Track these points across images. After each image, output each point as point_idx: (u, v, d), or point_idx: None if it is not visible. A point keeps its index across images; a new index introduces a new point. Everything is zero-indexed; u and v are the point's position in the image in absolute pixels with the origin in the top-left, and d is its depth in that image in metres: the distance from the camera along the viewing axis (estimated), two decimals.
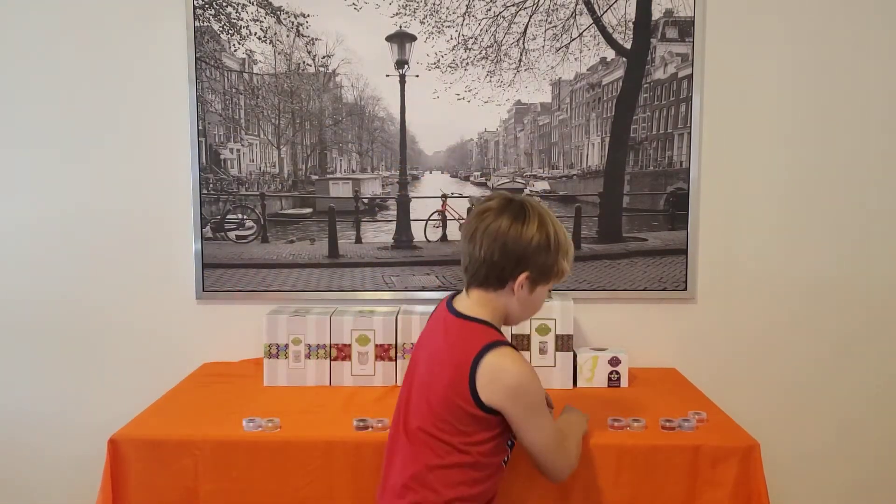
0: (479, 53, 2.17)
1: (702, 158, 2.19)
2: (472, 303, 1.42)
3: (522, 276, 1.37)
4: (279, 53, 2.18)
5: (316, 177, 2.24)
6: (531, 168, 2.28)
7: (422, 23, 2.15)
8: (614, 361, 2.02)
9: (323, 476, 1.61)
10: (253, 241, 2.23)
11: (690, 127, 2.18)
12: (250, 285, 2.22)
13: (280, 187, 2.24)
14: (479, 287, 1.41)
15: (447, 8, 2.15)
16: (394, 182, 2.24)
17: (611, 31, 2.16)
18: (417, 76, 2.18)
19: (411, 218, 2.24)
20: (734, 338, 2.24)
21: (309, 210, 2.24)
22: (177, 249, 2.22)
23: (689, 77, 2.16)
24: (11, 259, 2.22)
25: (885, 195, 2.20)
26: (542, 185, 2.26)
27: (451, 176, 2.26)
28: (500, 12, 2.15)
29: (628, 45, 2.17)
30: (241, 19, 2.16)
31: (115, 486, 1.61)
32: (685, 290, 2.22)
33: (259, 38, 2.17)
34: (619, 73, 2.18)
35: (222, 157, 2.21)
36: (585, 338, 2.21)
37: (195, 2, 2.14)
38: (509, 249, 1.35)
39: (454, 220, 2.25)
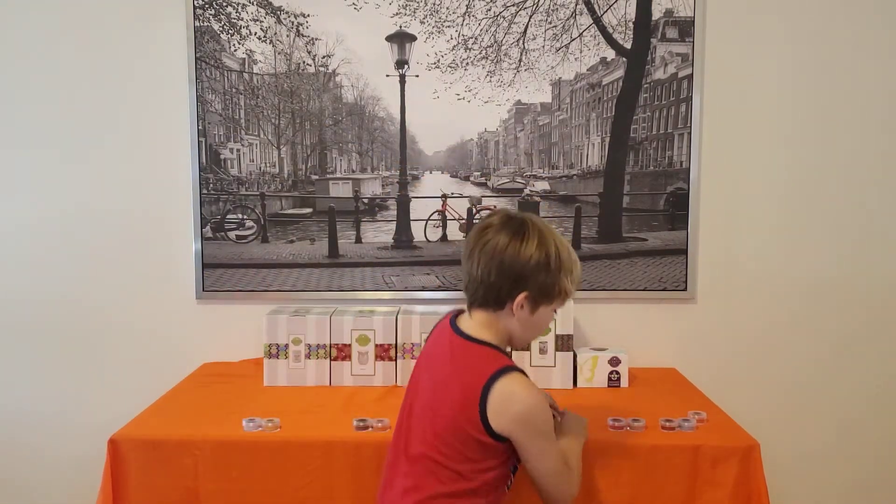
0: (479, 53, 2.17)
1: (702, 158, 2.19)
2: (475, 324, 1.38)
3: (521, 297, 1.32)
4: (279, 53, 2.18)
5: (316, 177, 2.24)
6: (531, 168, 2.28)
7: (422, 23, 2.15)
8: (614, 361, 2.02)
9: (323, 476, 1.61)
10: (253, 241, 2.23)
11: (690, 127, 2.18)
12: (250, 285, 2.22)
13: (280, 187, 2.24)
14: (480, 307, 1.37)
15: (447, 8, 2.15)
16: (394, 182, 2.24)
17: (611, 31, 2.16)
18: (417, 76, 2.18)
19: (411, 218, 2.24)
20: (734, 338, 2.24)
21: (309, 210, 2.24)
22: (177, 249, 2.22)
23: (689, 77, 2.16)
24: (11, 259, 2.22)
25: (885, 195, 2.20)
26: (542, 185, 2.26)
27: (451, 176, 2.26)
28: (500, 12, 2.15)
29: (628, 45, 2.17)
30: (241, 19, 2.16)
31: (115, 486, 1.61)
32: (685, 290, 2.22)
33: (259, 38, 2.17)
34: (619, 73, 2.18)
35: (222, 157, 2.21)
36: (585, 338, 2.21)
37: (195, 2, 2.14)
38: (506, 268, 1.31)
39: (454, 220, 2.25)
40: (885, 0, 2.14)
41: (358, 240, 2.24)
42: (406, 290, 2.22)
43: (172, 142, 2.18)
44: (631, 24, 2.15)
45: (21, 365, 2.25)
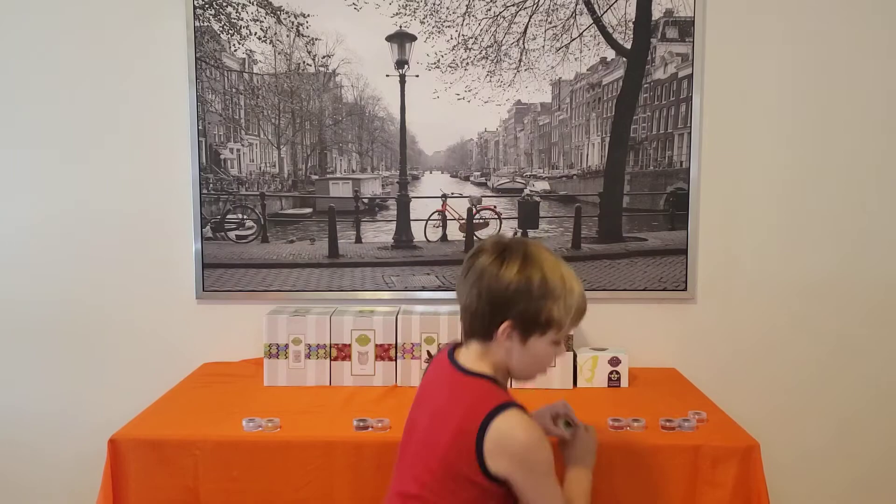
0: (479, 53, 2.17)
1: (702, 158, 2.19)
2: (472, 355, 1.30)
3: (505, 325, 1.24)
4: (279, 53, 2.18)
5: (316, 177, 2.24)
6: (531, 168, 2.28)
7: (422, 23, 2.15)
8: (614, 361, 2.02)
9: (323, 476, 1.61)
10: (253, 241, 2.23)
11: (690, 127, 2.18)
12: (250, 285, 2.22)
13: (280, 187, 2.24)
14: (473, 337, 1.30)
15: (447, 8, 2.15)
16: (394, 182, 2.24)
17: (611, 31, 2.16)
18: (417, 76, 2.18)
19: (411, 218, 2.24)
20: (734, 338, 2.24)
21: (309, 210, 2.24)
22: (177, 249, 2.22)
23: (689, 77, 2.16)
24: (12, 259, 2.22)
25: (884, 195, 2.20)
26: (542, 185, 2.26)
27: (451, 176, 2.26)
28: (500, 12, 2.15)
29: (628, 45, 2.17)
30: (241, 19, 2.16)
31: (115, 486, 1.61)
32: (685, 290, 2.22)
33: (259, 38, 2.17)
34: (619, 73, 2.18)
35: (222, 157, 2.21)
36: (585, 338, 2.21)
37: (195, 2, 2.14)
38: (486, 294, 1.24)
39: (454, 220, 2.25)
40: (885, 0, 2.14)
41: (358, 240, 2.24)
42: (406, 290, 2.22)
43: (172, 142, 2.18)
44: (631, 24, 2.15)
45: (21, 365, 2.25)
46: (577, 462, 1.42)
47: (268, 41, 2.17)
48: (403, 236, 2.24)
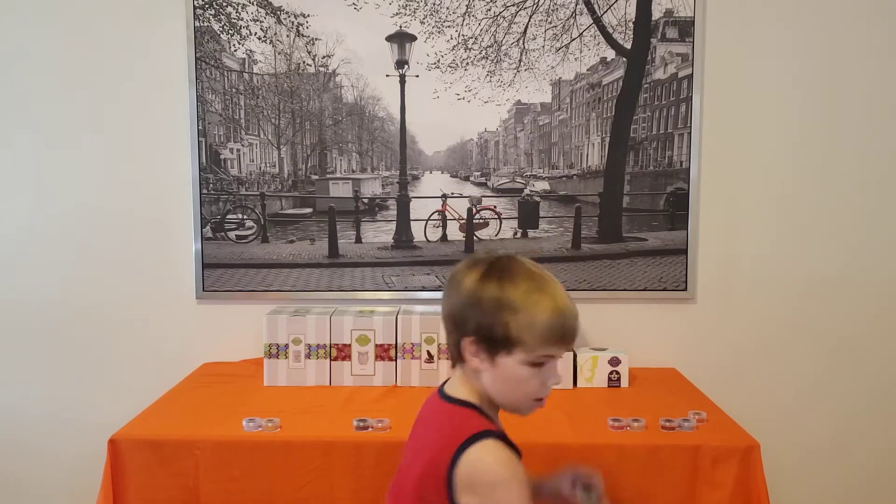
0: (479, 53, 2.17)
1: (702, 158, 2.19)
2: (456, 382, 1.21)
3: (465, 342, 1.14)
4: (279, 53, 2.18)
5: (316, 177, 2.24)
6: (531, 168, 2.28)
7: (422, 23, 2.15)
8: (614, 361, 2.02)
9: (323, 476, 1.61)
10: (253, 241, 2.23)
11: (690, 127, 2.18)
12: (250, 285, 2.22)
13: (280, 187, 2.24)
14: (454, 362, 1.21)
15: (447, 8, 2.15)
16: (394, 182, 2.24)
17: (611, 31, 2.16)
18: (417, 76, 2.18)
19: (411, 218, 2.24)
20: (734, 338, 2.24)
21: (309, 210, 2.24)
22: (177, 249, 2.22)
23: (689, 77, 2.16)
24: (11, 259, 2.22)
25: (885, 195, 2.20)
26: (542, 185, 2.26)
27: (451, 176, 2.26)
28: (500, 12, 2.15)
29: (628, 45, 2.17)
30: (241, 19, 2.16)
31: (115, 486, 1.61)
32: (685, 290, 2.22)
33: (259, 38, 2.17)
34: (619, 73, 2.18)
35: (222, 157, 2.21)
36: (585, 338, 2.21)
37: (195, 2, 2.14)
38: (446, 307, 1.17)
39: (454, 220, 2.25)
40: (885, 0, 2.14)
41: (358, 240, 2.24)
42: (406, 290, 2.22)
43: (172, 142, 2.18)
44: (631, 24, 2.15)
45: (21, 365, 2.25)
46: None
47: (268, 41, 2.17)
48: (403, 236, 2.24)
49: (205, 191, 2.20)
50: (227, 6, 2.15)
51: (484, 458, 1.09)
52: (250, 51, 2.17)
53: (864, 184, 2.20)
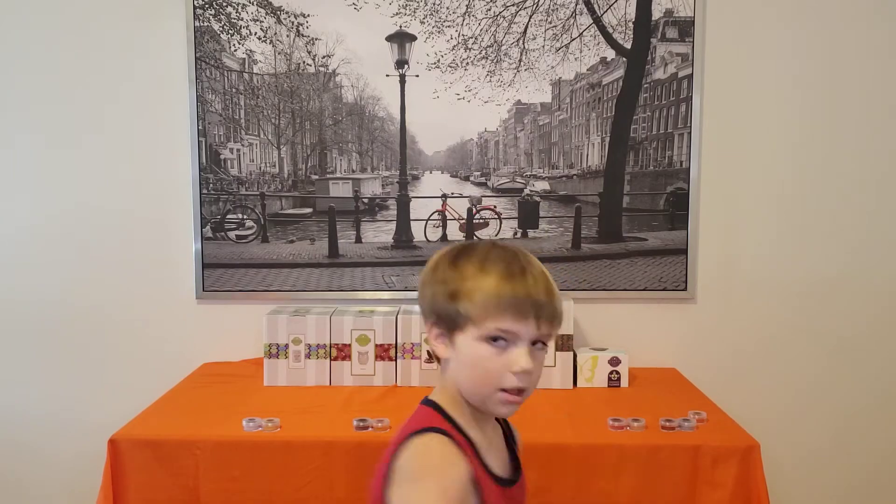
0: (479, 53, 2.17)
1: (702, 158, 2.19)
2: (437, 384, 1.10)
3: (428, 326, 1.06)
4: (279, 53, 2.18)
5: (316, 177, 2.24)
6: (531, 168, 2.28)
7: (422, 23, 2.15)
8: (614, 361, 2.02)
9: (323, 476, 1.61)
10: (253, 240, 2.23)
11: (690, 127, 2.18)
12: (250, 285, 2.22)
13: (280, 187, 2.24)
14: (434, 358, 1.13)
15: (447, 8, 2.15)
16: (394, 182, 2.24)
17: (611, 30, 2.16)
18: (417, 76, 2.18)
19: (411, 218, 2.24)
20: (734, 338, 2.24)
21: (309, 210, 2.24)
22: (177, 249, 2.22)
23: (689, 77, 2.16)
24: (11, 259, 2.22)
25: (885, 195, 2.20)
26: (542, 185, 2.26)
27: (451, 176, 2.26)
28: (500, 12, 2.15)
29: (628, 45, 2.17)
30: (241, 19, 2.16)
31: (115, 486, 1.61)
32: (685, 290, 2.22)
33: (259, 38, 2.17)
34: (619, 72, 2.18)
35: (222, 157, 2.21)
36: (585, 338, 2.21)
37: (195, 2, 2.14)
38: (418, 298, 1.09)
39: (454, 220, 2.25)
40: (885, 0, 2.14)
41: (358, 240, 2.24)
42: (406, 289, 2.22)
43: (172, 142, 2.18)
44: (631, 24, 2.15)
45: (21, 365, 2.25)
46: None
47: (268, 41, 2.17)
48: (403, 236, 2.24)
49: (205, 191, 2.20)
50: (227, 6, 2.15)
51: (414, 451, 0.98)
52: (250, 51, 2.17)
53: (864, 184, 2.20)
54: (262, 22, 2.16)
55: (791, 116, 2.18)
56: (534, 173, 2.27)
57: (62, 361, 2.24)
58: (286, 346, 2.00)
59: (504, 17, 2.15)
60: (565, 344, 1.99)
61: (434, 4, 2.14)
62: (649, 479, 1.59)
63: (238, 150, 2.22)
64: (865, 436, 2.26)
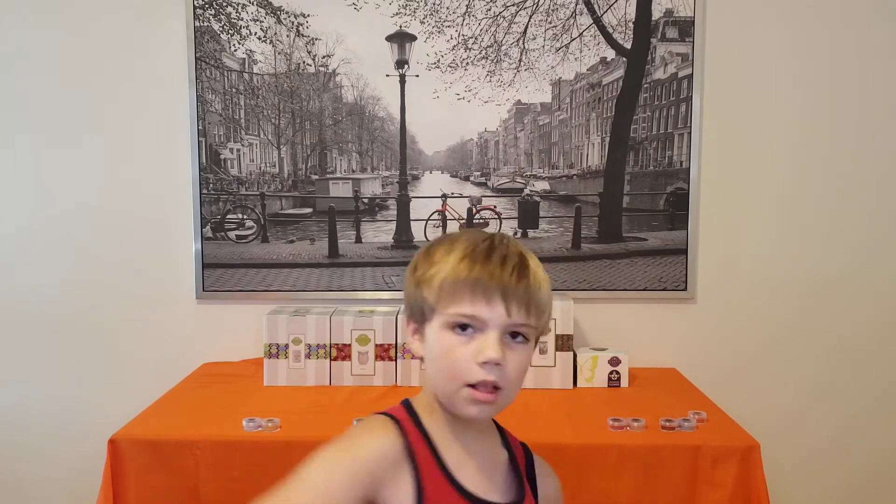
0: (479, 53, 2.17)
1: (702, 158, 2.19)
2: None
3: (405, 324, 1.00)
4: (279, 53, 2.18)
5: (316, 177, 2.24)
6: (531, 168, 2.28)
7: (422, 23, 2.15)
8: (614, 361, 2.02)
9: None
10: (253, 240, 2.23)
11: (690, 127, 2.18)
12: (250, 285, 2.22)
13: (280, 187, 2.24)
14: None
15: (447, 8, 2.15)
16: (394, 182, 2.24)
17: (611, 30, 2.16)
18: (417, 76, 2.18)
19: (411, 218, 2.24)
20: (734, 338, 2.24)
21: (309, 210, 2.24)
22: (177, 249, 2.22)
23: (689, 77, 2.16)
24: (11, 259, 2.22)
25: (885, 195, 2.20)
26: (542, 185, 2.26)
27: (451, 176, 2.26)
28: (500, 12, 2.15)
29: (628, 45, 2.17)
30: (241, 19, 2.16)
31: (115, 486, 1.61)
32: (685, 290, 2.22)
33: (259, 38, 2.17)
34: (619, 72, 2.18)
35: (222, 157, 2.21)
36: (585, 338, 2.21)
37: (195, 2, 2.14)
38: None
39: (454, 220, 2.25)
40: (885, 0, 2.14)
41: (358, 240, 2.24)
42: None
43: (172, 142, 2.18)
44: (631, 24, 2.15)
45: (21, 365, 2.25)
46: None
47: (268, 41, 2.17)
48: (403, 236, 2.24)
49: (205, 191, 2.20)
50: (227, 6, 2.15)
51: (351, 428, 0.95)
52: (250, 51, 2.17)
53: (864, 184, 2.20)
54: (262, 22, 2.16)
55: (791, 116, 2.18)
56: (534, 173, 2.27)
57: (62, 361, 2.24)
58: (286, 346, 2.00)
59: (504, 17, 2.15)
60: (565, 344, 1.99)
61: (434, 4, 2.14)
62: (649, 479, 1.59)
63: (238, 150, 2.22)
64: (865, 436, 2.26)
